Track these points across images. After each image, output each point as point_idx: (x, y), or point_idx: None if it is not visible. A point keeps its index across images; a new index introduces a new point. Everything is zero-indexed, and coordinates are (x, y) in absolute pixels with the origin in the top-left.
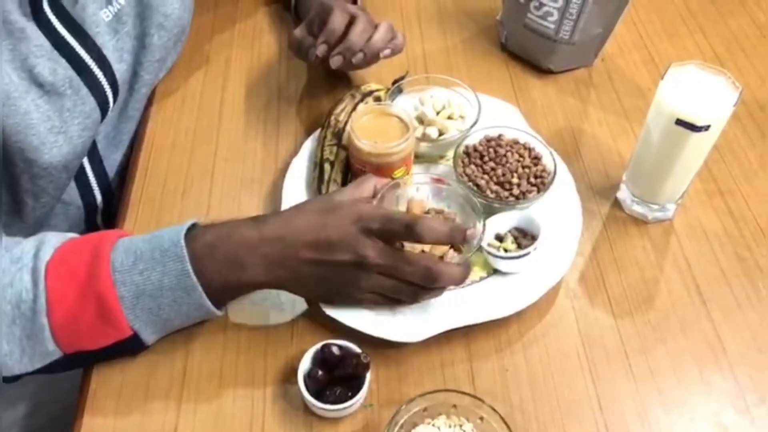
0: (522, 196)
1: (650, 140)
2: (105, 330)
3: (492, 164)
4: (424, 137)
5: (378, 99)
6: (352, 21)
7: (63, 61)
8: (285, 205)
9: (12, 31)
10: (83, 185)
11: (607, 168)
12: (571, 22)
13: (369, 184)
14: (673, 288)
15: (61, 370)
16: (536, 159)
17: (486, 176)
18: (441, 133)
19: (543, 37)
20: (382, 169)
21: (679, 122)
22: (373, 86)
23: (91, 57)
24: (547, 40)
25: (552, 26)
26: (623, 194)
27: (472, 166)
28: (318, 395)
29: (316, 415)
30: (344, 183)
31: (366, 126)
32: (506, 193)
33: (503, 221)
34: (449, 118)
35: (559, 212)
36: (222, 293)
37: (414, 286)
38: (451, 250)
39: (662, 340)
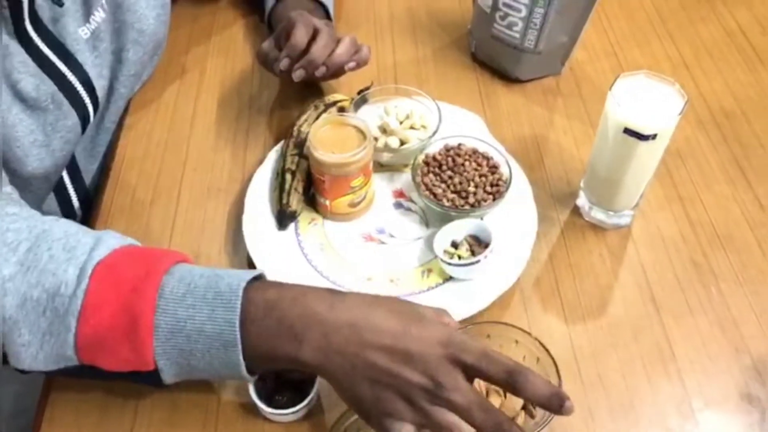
0: (478, 204)
1: (602, 149)
2: (127, 356)
3: (450, 173)
4: (386, 147)
5: (342, 109)
6: (314, 35)
7: (46, 77)
8: (248, 213)
9: None
10: (62, 195)
11: (568, 175)
12: (535, 32)
13: (448, 318)
14: (627, 294)
15: (74, 373)
16: (494, 168)
17: (443, 185)
18: (403, 143)
19: (509, 47)
20: (341, 178)
21: (627, 131)
22: (337, 96)
23: (73, 73)
24: (513, 50)
25: (517, 36)
26: (582, 201)
27: (431, 175)
28: (268, 400)
29: (268, 419)
30: (306, 193)
31: (324, 137)
32: (462, 202)
33: (459, 229)
34: (411, 128)
35: (515, 219)
36: (263, 361)
37: None
38: (523, 412)
39: (613, 345)
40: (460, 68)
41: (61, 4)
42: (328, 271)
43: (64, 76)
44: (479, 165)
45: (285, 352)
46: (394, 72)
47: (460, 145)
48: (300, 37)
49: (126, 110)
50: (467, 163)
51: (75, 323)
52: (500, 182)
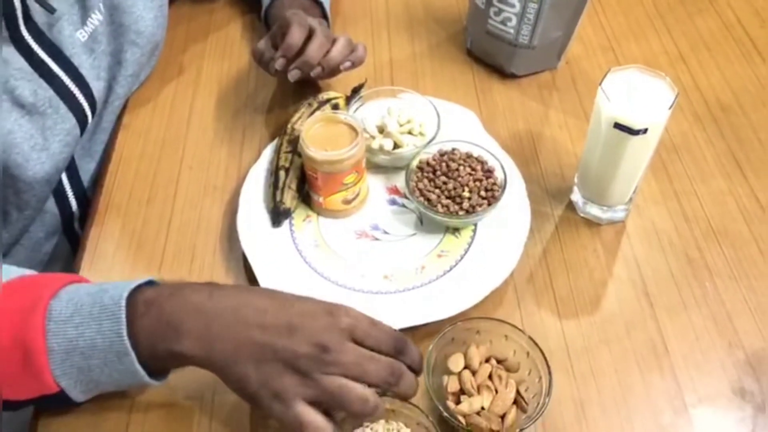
0: (472, 210)
1: (594, 143)
2: (29, 383)
3: (444, 178)
4: (380, 149)
5: (336, 107)
6: (310, 35)
7: (42, 82)
8: (242, 211)
9: None
10: (59, 194)
11: (563, 171)
12: (529, 27)
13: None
14: (620, 289)
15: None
16: (489, 172)
17: (437, 190)
18: (397, 146)
19: (504, 42)
20: (333, 175)
21: (618, 126)
22: (331, 94)
23: (69, 77)
24: (507, 45)
25: (511, 31)
26: (576, 196)
27: (425, 181)
28: None
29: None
30: (299, 190)
31: (317, 134)
32: (457, 207)
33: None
34: (410, 132)
35: (508, 215)
36: (154, 361)
37: (359, 410)
38: (515, 407)
39: (606, 341)
40: (456, 64)
41: (53, 11)
42: (323, 268)
43: (61, 80)
44: (474, 169)
45: (166, 348)
46: (390, 68)
47: (454, 150)
48: (295, 37)
49: (123, 109)
50: (461, 168)
51: None
52: (495, 186)
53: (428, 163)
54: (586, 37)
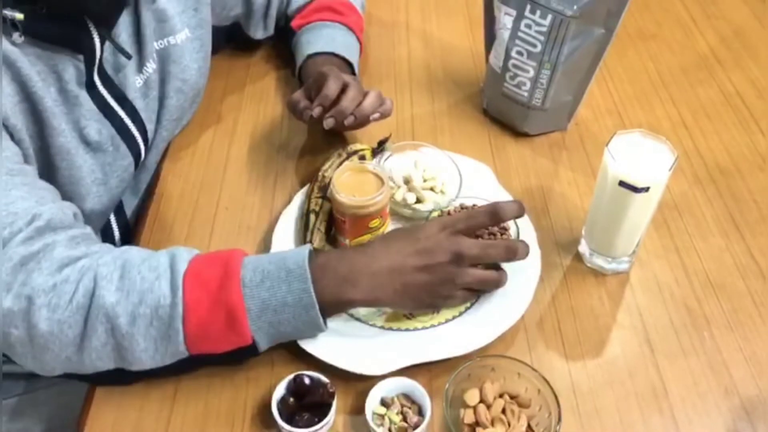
0: None
1: (600, 199)
2: (230, 337)
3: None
4: (403, 201)
5: (363, 158)
6: (344, 88)
7: (107, 122)
8: (274, 250)
9: (68, 98)
10: (106, 227)
11: (571, 223)
12: (542, 91)
13: None
14: (624, 335)
15: (185, 366)
16: (504, 229)
17: None
18: (418, 201)
19: (518, 104)
20: (360, 219)
21: (622, 184)
22: (358, 146)
23: (130, 119)
24: (521, 107)
25: (525, 94)
26: (583, 247)
27: None
28: (289, 420)
29: None
30: (327, 232)
31: (346, 181)
32: None
33: (390, 386)
34: (431, 189)
35: (520, 263)
36: (331, 309)
37: (495, 278)
38: None
39: (609, 382)
40: (473, 122)
41: (129, 57)
42: None
43: (122, 120)
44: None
45: (347, 297)
46: (412, 123)
47: (474, 205)
48: (332, 88)
49: (166, 152)
50: None
51: (181, 325)
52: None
53: (449, 214)
54: (594, 102)
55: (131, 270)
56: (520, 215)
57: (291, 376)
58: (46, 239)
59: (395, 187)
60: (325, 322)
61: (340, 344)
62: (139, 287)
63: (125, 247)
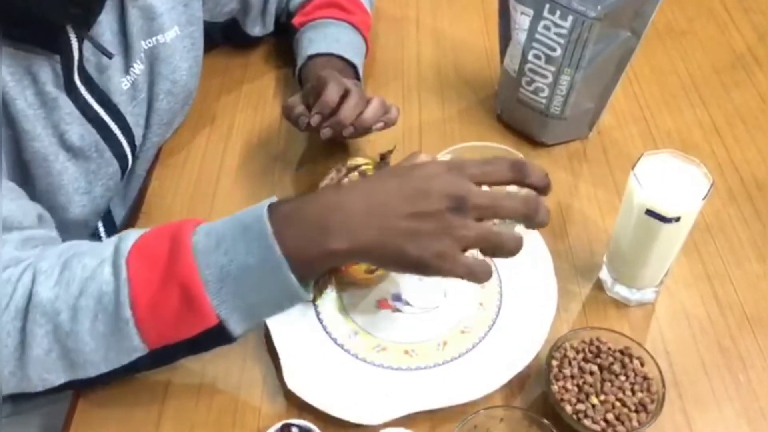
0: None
1: (625, 227)
2: (190, 318)
3: None
4: None
5: (364, 174)
6: (345, 95)
7: (90, 127)
8: None
9: (46, 101)
10: (94, 237)
11: (592, 246)
12: (561, 98)
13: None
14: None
15: (147, 368)
16: None
17: None
18: None
19: (535, 112)
20: None
21: (650, 213)
22: (359, 161)
23: (115, 123)
24: (539, 115)
25: (543, 101)
26: (604, 275)
27: None
28: None
29: None
30: None
31: None
32: None
33: None
34: None
35: (534, 294)
36: (307, 267)
37: (508, 239)
38: None
39: None
40: (486, 130)
41: (110, 57)
42: (342, 339)
43: (107, 125)
44: None
45: (318, 248)
46: (420, 131)
47: None
48: (332, 95)
49: (156, 158)
50: None
51: (130, 312)
52: None
53: None
54: (619, 107)
55: (74, 261)
56: (545, 186)
57: (278, 425)
58: None
59: None
60: (306, 287)
61: (333, 387)
62: (80, 276)
63: (77, 241)
